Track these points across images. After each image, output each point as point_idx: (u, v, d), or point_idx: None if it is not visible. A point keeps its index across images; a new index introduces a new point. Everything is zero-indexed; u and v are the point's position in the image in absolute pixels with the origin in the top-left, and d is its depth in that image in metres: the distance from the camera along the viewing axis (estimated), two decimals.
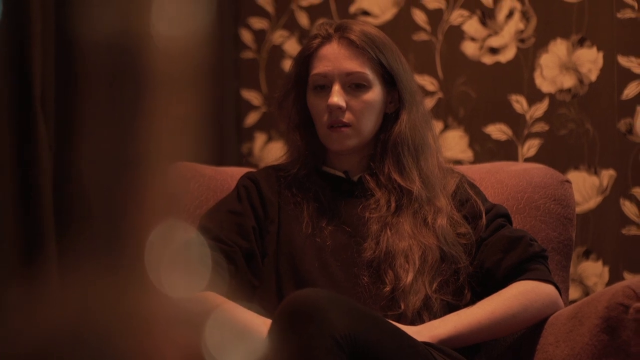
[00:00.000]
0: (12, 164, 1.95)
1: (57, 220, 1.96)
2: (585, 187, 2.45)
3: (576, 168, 2.47)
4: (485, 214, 1.82)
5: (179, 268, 0.62)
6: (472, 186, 1.89)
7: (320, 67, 1.83)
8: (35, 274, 1.84)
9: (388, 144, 1.83)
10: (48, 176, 1.98)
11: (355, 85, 1.81)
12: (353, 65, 1.81)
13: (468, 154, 2.59)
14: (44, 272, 1.85)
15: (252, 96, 2.84)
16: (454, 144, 2.60)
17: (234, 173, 2.06)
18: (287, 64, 2.70)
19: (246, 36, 2.84)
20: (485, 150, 2.57)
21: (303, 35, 2.75)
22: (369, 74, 1.82)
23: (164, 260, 0.55)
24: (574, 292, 2.42)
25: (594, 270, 2.44)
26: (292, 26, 2.79)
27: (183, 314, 0.63)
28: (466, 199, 1.84)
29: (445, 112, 2.62)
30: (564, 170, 2.44)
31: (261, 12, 2.82)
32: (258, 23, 2.83)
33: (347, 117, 1.81)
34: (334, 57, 1.82)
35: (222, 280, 1.62)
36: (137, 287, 0.55)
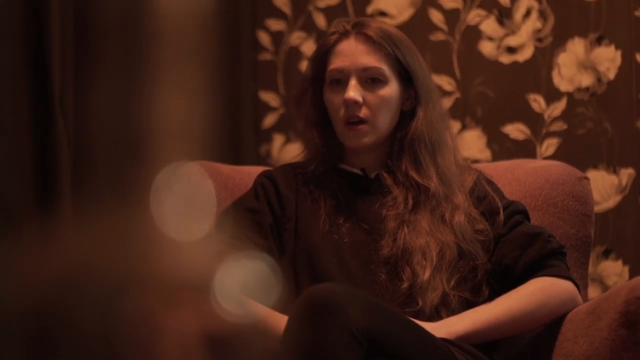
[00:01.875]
0: (29, 111, 1.97)
1: (73, 162, 2.00)
2: (604, 186, 2.44)
3: (595, 167, 2.46)
4: (503, 211, 1.81)
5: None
6: (490, 183, 1.89)
7: (337, 63, 1.83)
8: (50, 214, 1.85)
9: (405, 141, 1.83)
10: (62, 123, 2.02)
11: (371, 80, 1.82)
12: (370, 60, 1.81)
13: (486, 154, 2.58)
14: (58, 212, 1.87)
15: (270, 98, 2.85)
16: (472, 143, 2.59)
17: (252, 172, 2.07)
18: (304, 66, 2.70)
19: (264, 38, 2.85)
20: (504, 149, 2.56)
21: (320, 37, 2.76)
22: (386, 69, 1.82)
23: (169, 203, 0.56)
24: (593, 292, 2.41)
25: (614, 270, 2.43)
26: (309, 27, 2.80)
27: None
28: (484, 195, 1.84)
29: (463, 112, 2.62)
30: (582, 169, 2.43)
31: (278, 14, 2.83)
32: (275, 25, 2.84)
33: (364, 112, 1.81)
34: (351, 53, 1.82)
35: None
36: (148, 225, 0.56)
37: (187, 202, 0.58)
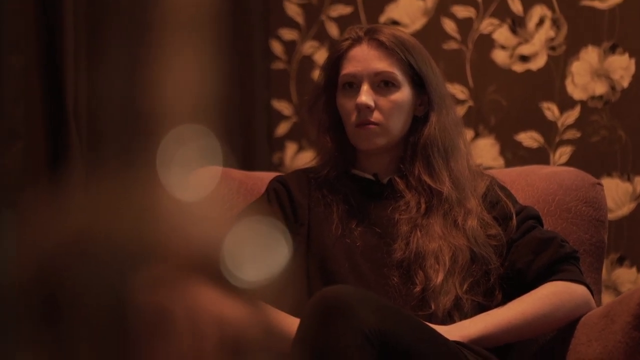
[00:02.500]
0: (41, 76, 1.99)
1: (83, 127, 2.02)
2: (619, 194, 2.43)
3: (609, 175, 2.45)
4: (516, 216, 1.81)
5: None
6: (503, 188, 1.89)
7: (349, 68, 1.84)
8: (61, 177, 1.86)
9: (418, 146, 1.83)
10: (73, 89, 2.03)
11: (384, 84, 1.82)
12: (382, 65, 1.82)
13: (499, 162, 2.58)
14: (69, 174, 1.88)
15: (282, 106, 2.86)
16: (485, 152, 2.59)
17: (264, 177, 2.07)
18: (317, 75, 2.71)
19: (276, 47, 2.86)
20: (517, 158, 2.56)
21: (334, 46, 2.76)
22: (398, 74, 1.82)
23: (174, 164, 0.56)
24: (608, 299, 2.39)
25: (628, 277, 2.42)
26: (322, 37, 2.81)
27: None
28: (496, 200, 1.84)
29: (476, 120, 2.61)
30: (596, 177, 2.41)
31: (291, 23, 2.84)
32: (288, 34, 2.85)
33: (375, 116, 1.81)
34: (364, 58, 1.83)
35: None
36: (155, 187, 0.56)
37: (191, 163, 0.59)
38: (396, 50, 1.82)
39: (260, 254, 0.62)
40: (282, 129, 2.86)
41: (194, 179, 0.61)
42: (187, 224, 0.58)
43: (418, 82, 1.85)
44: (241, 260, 0.59)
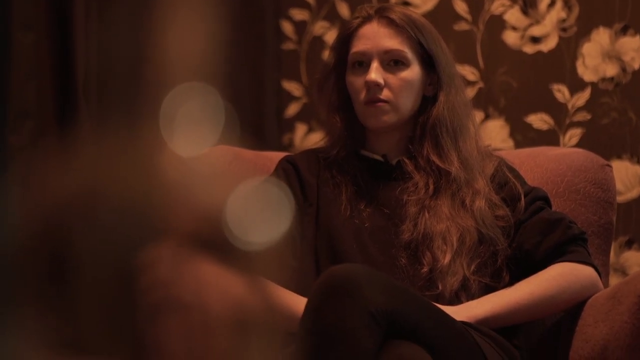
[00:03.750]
0: (51, 54, 2.00)
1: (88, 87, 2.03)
2: (628, 177, 2.43)
3: (619, 157, 2.44)
4: (524, 197, 1.81)
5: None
6: (511, 169, 1.89)
7: (359, 46, 1.84)
8: (66, 134, 1.88)
9: (427, 126, 1.83)
10: (81, 51, 2.05)
11: (393, 63, 1.82)
12: (392, 43, 1.81)
13: (509, 144, 2.57)
14: (76, 131, 1.90)
15: (293, 87, 2.86)
16: (495, 133, 2.59)
17: (274, 157, 2.07)
18: (327, 55, 2.71)
19: (287, 27, 2.86)
20: (527, 139, 2.55)
21: (344, 25, 2.76)
22: (408, 52, 1.82)
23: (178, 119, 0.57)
24: (616, 282, 2.40)
25: (636, 260, 2.42)
26: (332, 17, 2.80)
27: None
28: (505, 181, 1.84)
29: (486, 101, 2.61)
30: (606, 159, 2.41)
31: (302, 4, 2.84)
32: (299, 14, 2.85)
33: (385, 94, 1.81)
34: (373, 36, 1.82)
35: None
36: (158, 144, 0.57)
37: (194, 119, 0.59)
38: (406, 28, 1.82)
39: (264, 214, 0.63)
40: (292, 109, 2.86)
41: (203, 154, 0.62)
42: (191, 183, 0.59)
43: (428, 61, 1.85)
44: (244, 221, 0.60)
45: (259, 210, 0.62)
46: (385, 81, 1.81)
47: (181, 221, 0.58)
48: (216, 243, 0.59)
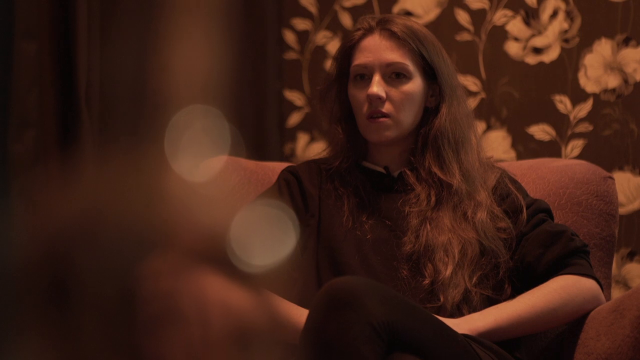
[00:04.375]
0: (54, 63, 2.01)
1: (95, 108, 2.04)
2: (630, 188, 2.42)
3: (620, 169, 2.44)
4: (526, 209, 1.81)
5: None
6: (513, 181, 1.88)
7: (361, 58, 1.83)
8: (72, 160, 1.88)
9: (428, 137, 1.83)
10: (84, 72, 2.05)
11: (395, 76, 1.82)
12: (394, 56, 1.81)
13: (511, 155, 2.57)
14: (80, 158, 1.90)
15: (295, 97, 2.86)
16: (496, 144, 2.58)
17: (275, 167, 2.07)
18: (329, 65, 2.71)
19: (289, 37, 2.86)
20: (529, 150, 2.55)
21: (346, 36, 2.76)
22: (410, 65, 1.82)
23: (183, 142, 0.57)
24: (618, 294, 2.39)
25: (638, 272, 2.41)
26: (335, 27, 2.80)
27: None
28: (507, 193, 1.83)
29: (488, 112, 2.61)
30: (608, 171, 2.41)
31: (304, 13, 2.84)
32: (301, 24, 2.85)
33: (387, 107, 1.81)
34: (375, 48, 1.82)
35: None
36: (160, 167, 0.57)
37: (199, 143, 0.59)
38: (408, 40, 1.82)
39: (268, 238, 0.62)
40: (294, 119, 2.86)
41: (204, 164, 0.61)
42: (195, 206, 0.59)
43: (430, 73, 1.84)
44: (248, 244, 0.59)
45: (263, 234, 0.62)
46: (387, 94, 1.81)
47: (183, 240, 0.58)
48: (218, 259, 0.59)
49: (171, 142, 0.57)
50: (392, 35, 1.82)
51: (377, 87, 1.80)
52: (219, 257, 0.61)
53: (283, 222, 0.63)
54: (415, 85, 1.83)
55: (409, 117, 1.83)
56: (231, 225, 0.58)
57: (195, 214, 0.59)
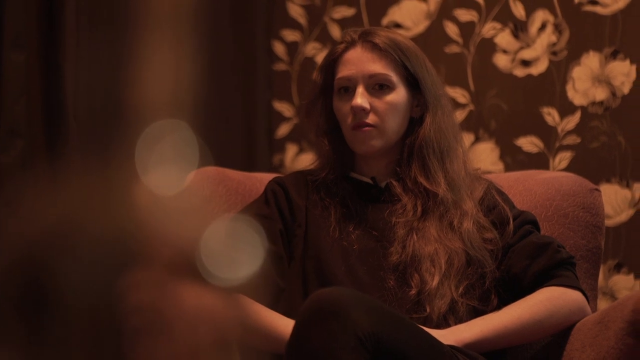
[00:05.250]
0: (42, 73, 2.01)
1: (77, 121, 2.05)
2: (617, 200, 2.43)
3: (608, 181, 2.45)
4: (513, 221, 1.81)
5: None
6: (500, 193, 1.89)
7: (344, 71, 1.84)
8: (55, 170, 1.89)
9: (414, 147, 1.84)
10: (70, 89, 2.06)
11: (379, 87, 1.82)
12: (376, 67, 1.82)
13: (499, 166, 2.58)
14: (64, 168, 1.91)
15: (284, 108, 2.86)
16: (485, 156, 2.59)
17: (263, 178, 2.08)
18: (314, 79, 2.72)
19: (279, 48, 2.87)
20: (517, 162, 2.56)
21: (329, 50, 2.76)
22: (393, 76, 1.83)
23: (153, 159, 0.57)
24: (605, 306, 2.39)
25: (625, 284, 2.42)
26: (324, 38, 2.81)
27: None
28: (494, 205, 1.84)
29: (477, 124, 2.62)
30: (595, 183, 2.42)
31: (294, 25, 2.85)
32: (291, 35, 2.86)
33: (371, 118, 1.82)
34: (358, 61, 1.83)
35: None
36: (134, 182, 0.57)
37: (169, 157, 0.59)
38: (390, 52, 1.83)
39: (235, 251, 0.63)
40: (283, 130, 2.86)
41: (177, 177, 0.62)
42: (166, 218, 0.59)
43: (413, 84, 1.85)
44: (218, 258, 0.60)
45: (233, 248, 0.62)
46: (371, 105, 1.81)
47: (158, 252, 0.58)
48: (193, 274, 0.59)
49: (142, 155, 0.57)
50: (374, 47, 1.83)
51: (360, 98, 1.80)
52: (191, 269, 0.61)
53: (251, 236, 0.63)
54: (398, 95, 1.83)
55: (393, 127, 1.83)
56: (201, 240, 0.59)
57: (167, 226, 0.59)
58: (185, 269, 0.59)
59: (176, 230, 0.59)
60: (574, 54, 2.51)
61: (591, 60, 2.49)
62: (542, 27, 2.55)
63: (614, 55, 2.46)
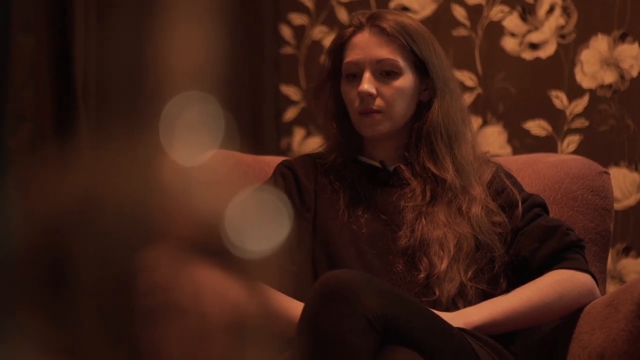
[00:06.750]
0: (50, 56, 2.01)
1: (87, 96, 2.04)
2: (626, 184, 2.43)
3: (616, 164, 2.45)
4: (522, 204, 1.81)
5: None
6: (509, 176, 1.89)
7: (351, 56, 1.84)
8: (66, 143, 1.89)
9: (422, 132, 1.83)
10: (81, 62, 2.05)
11: (386, 73, 1.82)
12: (383, 52, 1.81)
13: (507, 150, 2.58)
14: (76, 145, 1.91)
15: (291, 91, 2.86)
16: (492, 139, 2.59)
17: (272, 161, 2.08)
18: (322, 62, 2.71)
19: (286, 32, 2.86)
20: (525, 146, 2.55)
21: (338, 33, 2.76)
22: (400, 61, 1.82)
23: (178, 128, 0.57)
24: (613, 289, 2.39)
25: (634, 268, 2.42)
26: (331, 22, 2.80)
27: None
28: (502, 188, 1.84)
29: (485, 107, 2.61)
30: (604, 166, 2.41)
31: (301, 8, 2.84)
32: (298, 19, 2.85)
33: (378, 103, 1.81)
34: (365, 45, 1.83)
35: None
36: (157, 156, 0.57)
37: (193, 128, 0.59)
38: (397, 36, 1.82)
39: (263, 223, 0.63)
40: (291, 114, 2.86)
41: (201, 152, 0.62)
42: (190, 192, 0.59)
43: (421, 68, 1.84)
44: (243, 230, 0.60)
45: (257, 219, 0.62)
46: (378, 91, 1.81)
47: (179, 228, 0.58)
48: (214, 249, 0.59)
49: (166, 128, 0.57)
50: (382, 32, 1.82)
51: (367, 84, 1.80)
52: (214, 246, 0.61)
53: (277, 208, 0.63)
54: (406, 80, 1.83)
55: (400, 112, 1.83)
56: (226, 211, 0.59)
57: (190, 200, 0.59)
58: (206, 246, 0.60)
59: (199, 203, 0.59)
60: (583, 36, 2.50)
61: (600, 43, 2.48)
62: (551, 9, 2.54)
63: (622, 38, 2.46)
